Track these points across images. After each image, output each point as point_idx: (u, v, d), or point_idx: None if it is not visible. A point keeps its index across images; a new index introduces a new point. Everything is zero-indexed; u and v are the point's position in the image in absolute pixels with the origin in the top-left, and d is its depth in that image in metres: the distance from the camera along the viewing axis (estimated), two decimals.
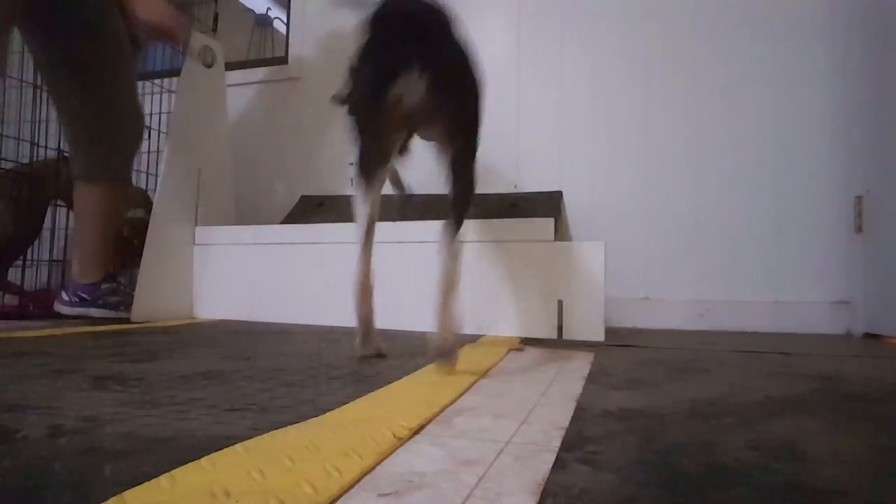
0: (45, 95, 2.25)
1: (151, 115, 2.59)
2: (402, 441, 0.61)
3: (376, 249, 1.85)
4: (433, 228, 1.79)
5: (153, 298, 1.91)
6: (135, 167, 2.41)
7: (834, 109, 2.03)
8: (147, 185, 2.60)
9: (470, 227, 1.77)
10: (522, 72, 2.39)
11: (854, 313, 1.93)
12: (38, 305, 2.02)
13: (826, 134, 2.03)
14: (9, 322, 1.80)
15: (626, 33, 2.26)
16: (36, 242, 2.20)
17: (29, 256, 2.20)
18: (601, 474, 0.53)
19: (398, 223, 1.85)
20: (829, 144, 2.03)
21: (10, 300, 1.95)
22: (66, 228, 2.27)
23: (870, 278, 1.87)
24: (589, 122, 2.28)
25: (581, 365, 1.19)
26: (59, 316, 1.77)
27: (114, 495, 0.43)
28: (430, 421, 0.71)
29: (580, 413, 0.77)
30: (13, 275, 2.21)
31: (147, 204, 2.10)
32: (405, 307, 1.81)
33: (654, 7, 2.23)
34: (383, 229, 1.85)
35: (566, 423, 0.71)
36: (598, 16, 2.30)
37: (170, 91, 2.50)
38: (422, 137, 1.29)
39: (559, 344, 1.56)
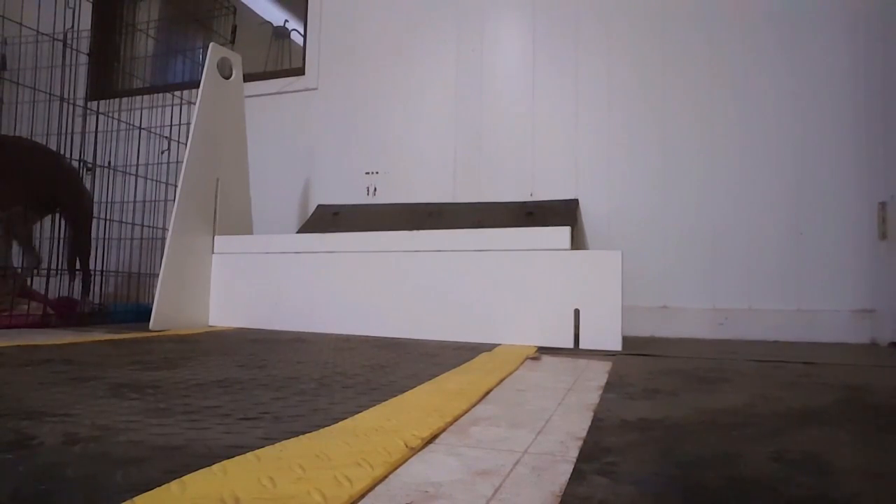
0: (70, 108, 2.31)
1: (171, 126, 2.64)
2: (413, 451, 0.60)
3: (391, 258, 1.87)
4: (448, 237, 1.80)
5: (172, 307, 1.93)
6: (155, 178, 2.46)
7: (855, 112, 1.99)
8: (166, 196, 2.64)
9: (486, 236, 1.76)
10: (538, 79, 2.39)
11: (878, 322, 1.89)
12: (59, 313, 2.06)
13: (847, 138, 2.00)
14: (33, 330, 1.83)
15: (641, 40, 2.25)
16: (57, 252, 2.24)
17: (52, 265, 2.23)
18: (620, 486, 0.51)
19: (413, 232, 1.85)
20: (851, 149, 1.99)
21: (34, 309, 1.98)
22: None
23: (895, 286, 1.83)
24: (604, 128, 2.27)
25: (598, 374, 1.18)
26: (81, 324, 1.79)
27: (124, 501, 0.43)
28: (443, 430, 0.70)
29: (598, 423, 0.76)
30: (37, 284, 2.25)
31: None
32: (419, 316, 1.81)
33: (671, 14, 2.22)
34: (397, 238, 1.87)
35: (584, 434, 0.70)
36: (613, 24, 2.29)
37: (189, 102, 2.54)
38: None
39: (576, 353, 1.54)
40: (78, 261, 2.27)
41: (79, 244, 2.26)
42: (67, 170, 2.25)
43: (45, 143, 2.36)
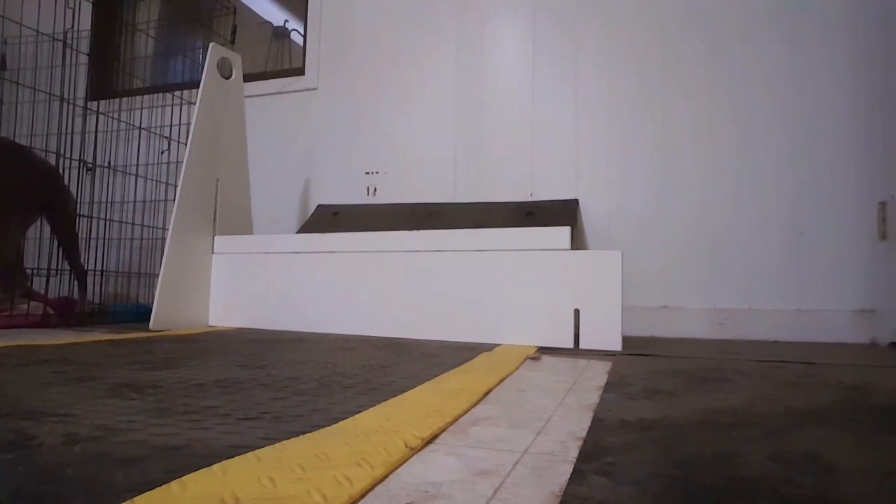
0: (70, 108, 2.31)
1: (171, 126, 2.64)
2: (413, 451, 0.60)
3: (391, 258, 1.87)
4: (448, 237, 1.80)
5: (172, 307, 1.93)
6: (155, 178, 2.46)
7: (855, 112, 1.99)
8: (166, 196, 2.64)
9: (486, 236, 1.76)
10: (538, 79, 2.39)
11: (879, 322, 1.89)
12: (59, 313, 2.06)
13: (847, 138, 2.00)
14: (33, 330, 1.83)
15: (641, 41, 2.25)
16: (58, 253, 2.24)
17: (52, 266, 2.24)
18: (620, 486, 0.51)
19: (413, 232, 1.85)
20: (851, 149, 1.99)
21: (34, 309, 1.98)
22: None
23: (895, 286, 1.83)
24: (604, 128, 2.27)
25: (598, 374, 1.18)
26: (81, 324, 1.79)
27: (125, 501, 0.43)
28: (443, 430, 0.70)
29: (598, 423, 0.76)
30: (37, 284, 2.25)
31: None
32: (419, 316, 1.81)
33: (670, 14, 2.22)
34: (398, 238, 1.87)
35: (583, 434, 0.70)
36: (613, 24, 2.29)
37: (189, 102, 2.54)
38: None
39: (576, 353, 1.54)
40: (69, 260, 2.25)
41: (64, 243, 2.23)
42: (42, 166, 2.19)
43: (44, 143, 2.35)
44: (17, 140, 2.31)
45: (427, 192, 2.47)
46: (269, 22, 3.59)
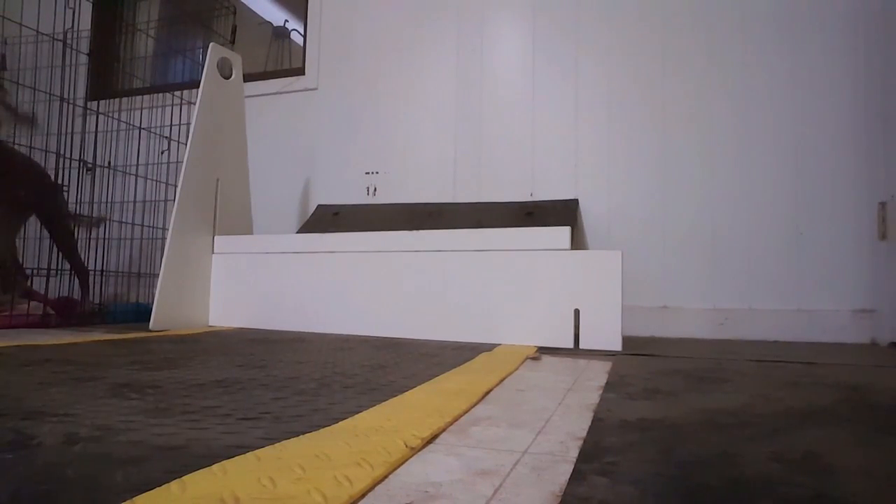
0: (70, 108, 2.30)
1: (171, 126, 2.64)
2: (413, 451, 0.60)
3: (391, 258, 1.87)
4: (448, 237, 1.80)
5: (172, 307, 1.93)
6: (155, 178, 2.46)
7: (855, 112, 1.99)
8: (166, 196, 2.64)
9: (486, 236, 1.76)
10: (537, 79, 2.39)
11: (879, 322, 1.89)
12: (59, 313, 2.05)
13: (847, 138, 2.00)
14: (33, 330, 1.83)
15: (641, 41, 2.25)
16: (58, 253, 2.23)
17: (52, 266, 2.23)
18: (620, 486, 0.51)
19: (413, 232, 1.85)
20: (851, 149, 1.99)
21: (34, 309, 1.98)
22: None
23: (895, 286, 1.83)
24: (604, 128, 2.27)
25: (598, 374, 1.18)
26: (81, 324, 1.79)
27: (125, 501, 0.43)
28: (443, 430, 0.70)
29: (598, 423, 0.76)
30: (37, 284, 2.25)
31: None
32: (419, 316, 1.81)
33: (671, 14, 2.22)
34: (397, 238, 1.87)
35: (584, 434, 0.70)
36: (613, 23, 2.29)
37: (189, 102, 2.54)
38: None
39: (576, 353, 1.54)
40: (67, 260, 2.24)
41: (61, 244, 2.22)
42: (25, 164, 2.17)
43: (44, 143, 2.35)
44: (16, 140, 2.31)
45: (427, 192, 2.47)
46: (269, 22, 3.59)
